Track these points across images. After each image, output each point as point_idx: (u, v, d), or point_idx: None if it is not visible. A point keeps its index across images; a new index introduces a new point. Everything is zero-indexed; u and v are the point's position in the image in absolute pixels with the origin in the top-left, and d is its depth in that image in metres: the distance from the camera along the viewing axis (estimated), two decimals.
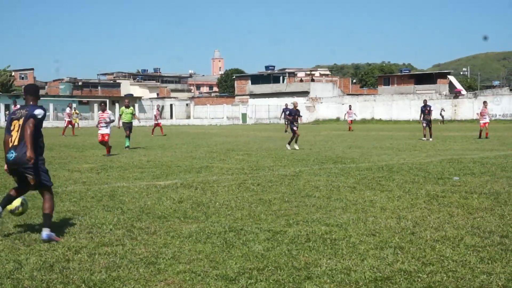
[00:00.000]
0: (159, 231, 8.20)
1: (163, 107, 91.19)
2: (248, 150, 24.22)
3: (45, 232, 7.70)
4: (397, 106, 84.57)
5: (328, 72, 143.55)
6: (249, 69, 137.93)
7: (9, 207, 8.50)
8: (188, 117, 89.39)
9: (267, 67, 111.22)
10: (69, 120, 44.07)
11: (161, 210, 9.86)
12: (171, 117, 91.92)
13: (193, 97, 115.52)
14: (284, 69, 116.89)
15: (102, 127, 22.34)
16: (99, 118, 23.05)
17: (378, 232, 8.05)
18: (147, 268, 6.32)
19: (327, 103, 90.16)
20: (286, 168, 16.67)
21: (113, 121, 23.11)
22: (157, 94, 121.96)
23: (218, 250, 7.11)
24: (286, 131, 42.01)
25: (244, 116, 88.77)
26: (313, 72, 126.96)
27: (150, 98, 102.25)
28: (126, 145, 25.60)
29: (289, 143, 25.13)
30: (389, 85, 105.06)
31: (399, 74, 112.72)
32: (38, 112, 7.96)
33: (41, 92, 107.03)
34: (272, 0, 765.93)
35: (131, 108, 27.10)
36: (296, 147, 24.78)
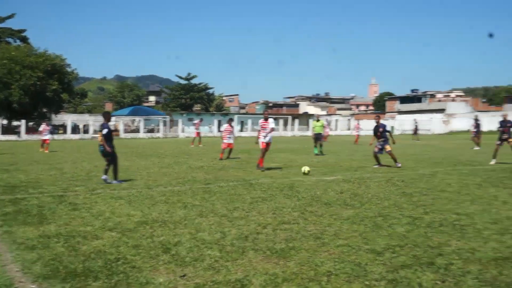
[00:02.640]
0: (325, 214, 8.20)
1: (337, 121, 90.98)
2: (395, 154, 23.49)
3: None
4: None
5: (462, 94, 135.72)
6: (398, 92, 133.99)
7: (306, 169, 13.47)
8: (349, 129, 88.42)
9: (412, 90, 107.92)
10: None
11: (327, 199, 9.83)
12: (336, 129, 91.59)
13: (353, 114, 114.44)
14: (426, 91, 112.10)
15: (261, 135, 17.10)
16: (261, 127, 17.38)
17: (499, 221, 7.51)
18: (315, 241, 6.35)
19: (460, 118, 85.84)
20: (424, 169, 15.99)
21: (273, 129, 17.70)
22: (327, 112, 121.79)
23: (369, 230, 6.99)
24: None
25: (392, 128, 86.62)
26: (449, 94, 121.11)
27: (321, 115, 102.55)
28: (315, 152, 23.52)
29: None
30: None
31: None
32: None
33: (242, 111, 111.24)
34: (420, 39, 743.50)
35: (321, 121, 25.34)
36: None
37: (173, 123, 74.36)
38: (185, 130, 72.79)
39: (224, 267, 5.33)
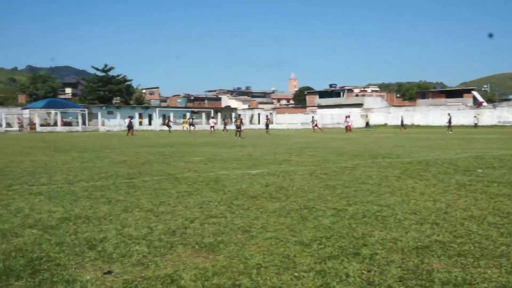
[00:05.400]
0: (251, 207, 8.25)
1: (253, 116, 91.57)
2: (317, 148, 24.05)
3: None
4: (432, 114, 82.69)
5: (377, 89, 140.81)
6: (317, 87, 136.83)
7: None
8: (271, 123, 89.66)
9: (330, 85, 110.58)
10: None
11: (253, 192, 9.91)
12: (259, 122, 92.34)
13: (275, 108, 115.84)
14: (344, 86, 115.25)
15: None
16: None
17: (418, 211, 7.86)
18: (243, 235, 6.38)
19: (377, 112, 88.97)
20: (346, 162, 16.47)
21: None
22: (248, 106, 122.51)
23: (296, 222, 7.10)
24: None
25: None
26: (366, 89, 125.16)
27: (242, 109, 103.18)
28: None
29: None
30: (425, 98, 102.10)
31: (433, 90, 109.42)
32: None
33: (163, 104, 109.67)
34: (336, 37, 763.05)
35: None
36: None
37: (92, 116, 72.26)
38: (105, 123, 70.91)
39: (153, 262, 5.25)
